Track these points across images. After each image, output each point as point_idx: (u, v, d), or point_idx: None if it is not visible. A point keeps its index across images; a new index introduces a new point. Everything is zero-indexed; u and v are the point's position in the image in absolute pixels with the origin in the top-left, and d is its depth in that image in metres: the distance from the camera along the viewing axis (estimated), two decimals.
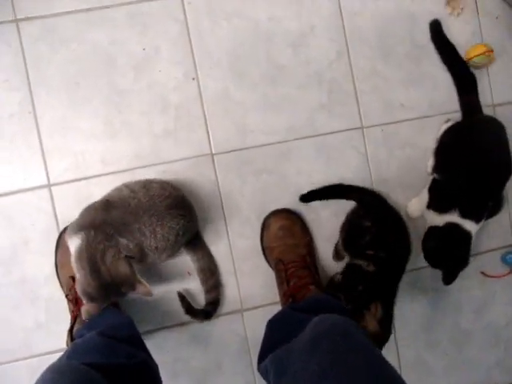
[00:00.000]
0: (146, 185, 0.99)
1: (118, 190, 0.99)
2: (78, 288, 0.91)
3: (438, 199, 1.09)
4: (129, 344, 0.93)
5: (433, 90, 1.19)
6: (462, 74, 1.17)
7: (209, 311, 1.12)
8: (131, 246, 0.94)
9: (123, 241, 0.92)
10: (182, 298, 1.11)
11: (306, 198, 1.13)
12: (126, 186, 0.99)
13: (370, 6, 1.17)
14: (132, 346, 0.93)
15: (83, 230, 0.91)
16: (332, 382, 0.67)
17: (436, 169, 1.12)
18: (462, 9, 1.18)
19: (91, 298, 0.90)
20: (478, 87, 1.16)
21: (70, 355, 0.87)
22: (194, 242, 1.09)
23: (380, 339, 1.02)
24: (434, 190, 1.11)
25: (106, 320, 0.97)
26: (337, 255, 1.15)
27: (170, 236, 0.97)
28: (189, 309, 1.10)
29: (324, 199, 1.13)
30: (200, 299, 1.13)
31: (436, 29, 1.17)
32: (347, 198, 1.11)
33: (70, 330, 1.01)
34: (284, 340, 0.86)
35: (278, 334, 0.97)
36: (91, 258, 0.89)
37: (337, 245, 1.14)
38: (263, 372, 0.95)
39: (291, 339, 0.83)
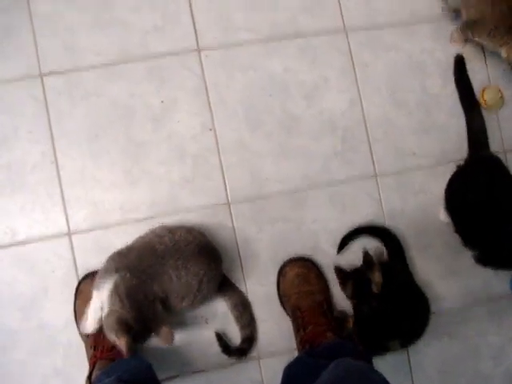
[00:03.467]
0: (172, 230, 1.01)
1: (145, 236, 1.02)
2: (111, 319, 0.91)
3: None
4: None
5: (444, 138, 1.21)
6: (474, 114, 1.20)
7: (244, 349, 1.12)
8: (160, 291, 0.96)
9: (154, 286, 0.94)
10: (220, 337, 1.12)
11: (341, 246, 1.16)
12: (153, 231, 1.02)
13: (381, 57, 1.21)
14: None
15: (118, 272, 0.94)
16: None
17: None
18: (465, 40, 1.21)
19: (127, 329, 0.90)
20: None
21: None
22: (223, 283, 1.10)
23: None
24: None
25: (124, 365, 0.98)
26: None
27: (194, 282, 0.98)
28: (225, 348, 1.11)
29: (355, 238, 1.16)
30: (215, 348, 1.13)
31: (459, 64, 1.21)
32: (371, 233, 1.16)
33: (89, 377, 1.02)
34: None
35: (294, 380, 0.98)
36: (130, 292, 0.91)
37: None
38: None
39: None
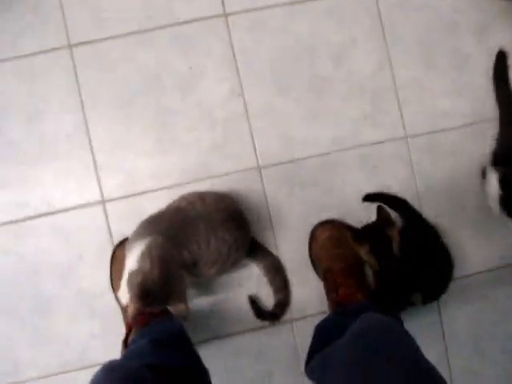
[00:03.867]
0: (202, 195, 1.02)
1: (176, 201, 1.03)
2: (135, 279, 0.88)
3: None
4: (179, 349, 0.95)
5: (476, 98, 1.18)
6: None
7: (277, 313, 1.13)
8: (189, 258, 0.96)
9: (184, 252, 0.94)
10: (252, 301, 1.13)
11: (370, 197, 1.15)
12: (184, 197, 1.03)
13: (412, 16, 1.18)
14: (182, 351, 0.96)
15: (149, 235, 0.93)
16: (368, 369, 0.69)
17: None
18: None
19: (143, 295, 0.88)
20: None
21: (123, 357, 0.91)
22: (253, 247, 1.11)
23: None
24: None
25: (158, 327, 1.00)
26: None
27: (224, 249, 0.99)
28: (258, 312, 1.12)
29: (385, 204, 1.13)
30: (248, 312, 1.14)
31: (501, 60, 1.17)
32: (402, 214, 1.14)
33: (125, 341, 1.05)
34: (330, 341, 0.87)
35: (324, 336, 0.99)
36: (161, 256, 0.90)
37: None
38: (309, 373, 0.96)
39: (337, 339, 0.83)
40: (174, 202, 1.04)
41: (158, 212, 1.01)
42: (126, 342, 1.04)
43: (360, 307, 0.99)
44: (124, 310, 1.10)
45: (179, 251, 0.94)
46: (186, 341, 1.01)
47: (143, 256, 0.91)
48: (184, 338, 1.01)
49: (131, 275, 0.90)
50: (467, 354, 1.19)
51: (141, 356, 0.89)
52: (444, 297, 1.17)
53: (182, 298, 0.92)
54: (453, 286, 1.18)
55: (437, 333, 1.19)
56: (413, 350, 0.74)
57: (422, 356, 0.72)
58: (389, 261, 1.05)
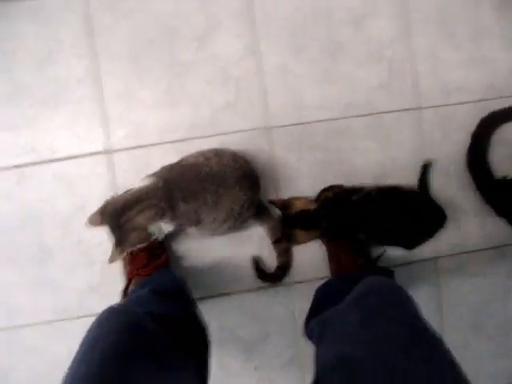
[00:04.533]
0: (219, 153, 1.01)
1: (194, 156, 1.02)
2: (111, 199, 0.96)
3: None
4: (179, 301, 0.95)
5: (492, 74, 1.17)
6: None
7: (279, 275, 1.14)
8: (190, 213, 0.96)
9: (183, 206, 0.94)
10: (255, 261, 1.13)
11: None
12: (201, 153, 1.01)
13: None
14: (182, 303, 0.96)
15: (156, 178, 0.96)
16: (370, 331, 0.70)
17: None
18: None
19: (103, 210, 0.95)
20: None
21: (123, 303, 0.91)
22: (258, 208, 1.10)
23: None
24: None
25: (159, 278, 1.00)
26: None
27: (236, 207, 0.99)
28: (260, 272, 1.13)
29: None
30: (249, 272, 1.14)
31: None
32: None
33: (124, 290, 1.05)
34: (331, 304, 0.87)
35: (324, 299, 1.00)
36: (142, 196, 0.93)
37: None
38: (308, 334, 0.96)
39: (338, 303, 0.84)
40: (191, 155, 1.03)
41: (177, 162, 1.01)
42: (125, 292, 1.04)
43: (363, 273, 0.99)
44: (124, 261, 1.10)
45: (177, 202, 0.95)
46: (187, 294, 1.01)
47: (129, 190, 0.96)
48: (185, 291, 1.01)
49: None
50: (463, 328, 1.20)
51: (141, 304, 0.89)
52: (445, 270, 1.18)
53: (122, 245, 0.94)
54: (454, 262, 1.19)
55: (435, 304, 1.19)
56: (412, 311, 0.74)
57: (420, 317, 0.73)
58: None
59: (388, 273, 1.06)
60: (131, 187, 0.98)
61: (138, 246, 0.96)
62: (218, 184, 0.96)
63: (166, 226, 0.97)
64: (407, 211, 1.05)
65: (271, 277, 1.14)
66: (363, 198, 1.04)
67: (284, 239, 1.10)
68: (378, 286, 0.81)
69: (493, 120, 1.17)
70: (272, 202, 1.11)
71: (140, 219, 0.93)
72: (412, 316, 0.73)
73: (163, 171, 1.00)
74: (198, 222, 0.99)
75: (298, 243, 1.11)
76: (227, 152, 1.03)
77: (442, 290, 1.20)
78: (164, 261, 1.07)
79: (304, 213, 1.06)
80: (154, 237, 0.96)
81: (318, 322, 0.90)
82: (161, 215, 0.94)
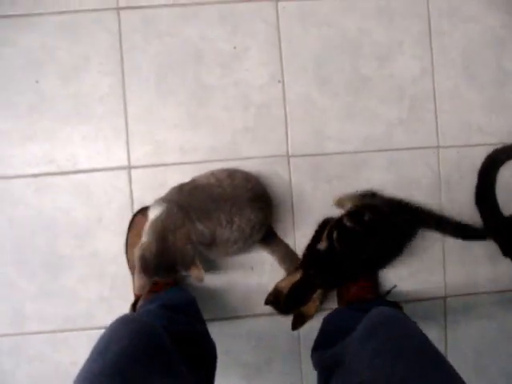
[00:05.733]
0: (231, 174, 1.02)
1: (205, 176, 1.03)
2: (137, 253, 0.91)
3: None
4: (189, 316, 0.96)
5: None
6: None
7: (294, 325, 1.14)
8: (206, 233, 0.97)
9: (200, 226, 0.95)
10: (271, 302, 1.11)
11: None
12: (213, 173, 1.03)
13: (460, 27, 1.18)
14: (192, 319, 0.97)
15: (167, 203, 0.95)
16: (382, 359, 0.70)
17: None
18: None
19: (145, 267, 0.90)
20: None
21: (126, 318, 0.89)
22: (269, 235, 1.11)
23: None
24: None
25: (169, 294, 1.01)
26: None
27: (247, 228, 0.99)
28: (282, 308, 1.10)
29: None
30: (265, 292, 1.13)
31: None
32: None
33: (133, 306, 1.05)
34: (340, 334, 0.87)
35: (334, 327, 1.00)
36: (165, 228, 0.92)
37: None
38: (316, 364, 0.97)
39: (347, 333, 0.84)
40: (202, 175, 1.05)
41: (189, 183, 1.02)
42: (134, 307, 1.05)
43: (371, 304, 1.00)
44: (133, 277, 1.11)
45: (194, 224, 0.95)
46: (196, 311, 1.01)
47: (150, 227, 0.94)
48: (194, 308, 1.01)
49: (137, 249, 0.93)
50: (466, 369, 1.19)
51: (150, 318, 0.90)
52: (453, 310, 1.19)
53: (190, 265, 0.92)
54: (463, 302, 1.19)
55: (440, 344, 1.19)
56: (423, 339, 0.75)
57: (431, 343, 0.74)
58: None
59: (397, 307, 1.06)
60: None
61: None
62: (231, 205, 0.97)
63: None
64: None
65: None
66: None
67: (299, 323, 1.10)
68: (387, 317, 0.81)
69: (497, 157, 1.17)
70: (267, 303, 1.08)
71: (179, 243, 0.92)
72: (422, 342, 0.74)
73: (172, 193, 1.00)
74: (212, 242, 1.00)
75: (312, 315, 1.11)
76: (239, 173, 1.04)
77: (448, 329, 1.20)
78: (174, 279, 1.08)
79: (293, 287, 1.03)
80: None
81: (328, 357, 0.90)
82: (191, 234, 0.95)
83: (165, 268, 0.92)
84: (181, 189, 1.01)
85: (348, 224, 1.00)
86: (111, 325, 0.78)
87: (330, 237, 1.00)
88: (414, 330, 0.78)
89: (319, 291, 1.05)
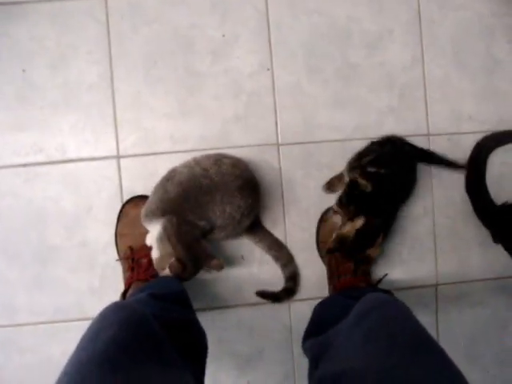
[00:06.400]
0: (218, 161, 1.01)
1: (188, 167, 1.02)
2: (164, 264, 0.96)
3: None
4: (178, 304, 0.95)
5: (504, 106, 1.18)
6: None
7: (291, 288, 1.14)
8: (207, 225, 0.99)
9: (200, 223, 0.97)
10: (262, 294, 1.13)
11: None
12: (197, 162, 1.01)
13: (450, 15, 1.17)
14: (182, 308, 0.96)
15: (164, 216, 0.97)
16: (374, 345, 0.69)
17: None
18: None
19: (184, 270, 0.95)
20: None
21: (114, 306, 0.88)
22: (254, 224, 1.11)
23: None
24: None
25: (159, 283, 1.00)
26: (329, 186, 1.15)
27: (237, 215, 1.00)
28: (273, 297, 1.13)
29: None
30: (256, 282, 1.14)
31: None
32: None
33: (123, 295, 1.05)
34: (331, 321, 0.87)
35: (325, 314, 0.99)
36: (179, 237, 0.95)
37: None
38: (306, 352, 0.96)
39: (339, 320, 0.84)
40: (184, 164, 1.04)
41: (169, 176, 1.02)
42: (124, 296, 1.04)
43: (362, 291, 1.00)
44: (124, 266, 1.10)
45: (195, 223, 0.98)
46: (186, 300, 1.01)
47: (161, 241, 0.96)
48: (184, 297, 1.01)
49: (159, 262, 0.96)
50: (459, 357, 1.16)
51: (141, 305, 0.89)
52: (445, 298, 1.19)
53: (210, 257, 0.98)
54: (455, 289, 1.19)
55: (432, 332, 1.16)
56: (414, 321, 0.75)
57: (426, 331, 0.73)
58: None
59: (389, 294, 1.05)
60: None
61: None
62: (222, 195, 0.98)
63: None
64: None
65: (285, 292, 1.13)
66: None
67: (365, 266, 1.09)
68: (379, 301, 0.80)
69: (486, 145, 1.17)
70: (332, 251, 1.07)
71: (197, 245, 0.97)
72: (415, 326, 0.73)
73: (159, 199, 1.01)
74: (212, 231, 1.01)
75: (375, 258, 1.10)
76: (226, 158, 1.03)
77: (439, 317, 1.20)
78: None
79: (359, 232, 1.03)
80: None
81: (318, 343, 0.89)
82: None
83: (195, 268, 0.97)
84: (165, 190, 1.00)
85: (371, 170, 1.05)
86: (101, 312, 0.77)
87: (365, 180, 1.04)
88: (407, 313, 0.78)
89: (381, 237, 1.05)
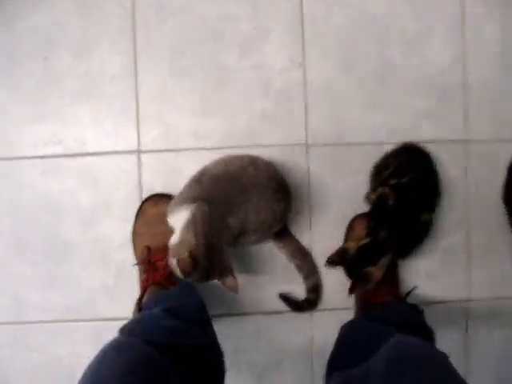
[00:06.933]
0: (253, 162, 0.95)
1: (222, 164, 0.96)
2: (178, 253, 0.83)
3: None
4: (196, 325, 0.89)
5: None
6: None
7: (312, 299, 1.08)
8: (236, 227, 0.90)
9: (232, 220, 0.88)
10: (285, 297, 1.07)
11: None
12: (232, 161, 0.95)
13: (495, 14, 1.10)
14: (199, 328, 0.90)
15: (196, 202, 0.88)
16: None
17: None
18: None
19: (194, 265, 0.82)
20: None
21: (132, 327, 0.84)
22: (281, 229, 1.05)
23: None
24: None
25: (175, 296, 0.95)
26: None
27: (269, 219, 0.93)
28: (295, 305, 1.07)
29: None
30: (278, 289, 1.09)
31: None
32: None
33: (139, 300, 1.00)
34: (357, 355, 0.81)
35: (351, 346, 0.92)
36: (205, 228, 0.84)
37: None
38: None
39: (365, 356, 0.77)
40: (215, 163, 0.97)
41: (207, 174, 0.95)
42: (139, 302, 0.99)
43: (392, 312, 0.95)
44: (141, 268, 1.05)
45: (225, 220, 0.88)
46: (205, 317, 0.95)
47: (186, 227, 0.85)
48: (203, 313, 0.95)
49: (174, 249, 0.85)
50: (489, 379, 1.13)
51: (154, 328, 0.83)
52: (476, 315, 1.12)
53: (228, 272, 0.86)
54: (487, 306, 1.13)
55: (462, 350, 1.13)
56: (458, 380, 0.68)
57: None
58: None
59: (417, 311, 1.00)
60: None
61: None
62: (259, 194, 0.91)
63: None
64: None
65: (307, 303, 1.08)
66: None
67: (360, 285, 0.98)
68: (414, 357, 0.72)
69: None
70: (330, 263, 1.01)
71: (220, 245, 0.86)
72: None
73: (191, 188, 0.93)
74: (242, 235, 0.92)
75: (377, 281, 0.99)
76: (259, 159, 0.97)
77: (469, 335, 1.13)
78: None
79: (362, 247, 0.97)
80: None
81: (342, 380, 0.84)
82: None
83: (207, 273, 0.84)
84: (198, 181, 0.94)
85: (393, 182, 1.00)
86: (103, 351, 0.71)
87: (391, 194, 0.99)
88: (446, 372, 0.70)
89: (387, 258, 0.98)
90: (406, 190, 0.99)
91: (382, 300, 1.00)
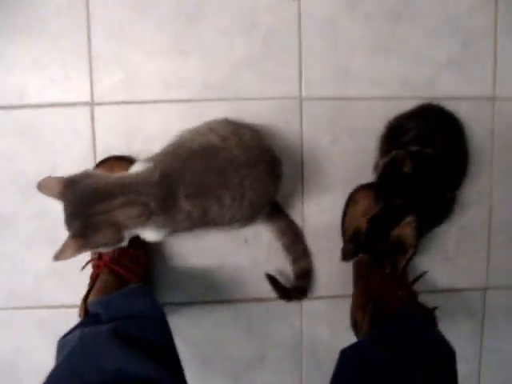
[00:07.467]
0: (236, 130, 0.77)
1: (201, 134, 0.77)
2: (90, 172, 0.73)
3: None
4: (149, 351, 0.69)
5: None
6: None
7: (303, 286, 0.94)
8: (195, 213, 0.72)
9: (186, 205, 0.71)
10: (272, 279, 0.92)
11: None
12: (211, 128, 0.77)
13: None
14: (152, 354, 0.69)
15: (153, 164, 0.72)
16: None
17: None
18: None
19: (72, 182, 0.71)
20: None
21: (73, 354, 0.68)
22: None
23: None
24: None
25: (129, 306, 0.76)
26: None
27: (260, 201, 0.77)
28: (282, 291, 0.92)
29: None
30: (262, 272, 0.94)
31: None
32: None
33: (85, 299, 0.82)
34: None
35: (352, 374, 0.77)
36: (131, 185, 0.70)
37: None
38: None
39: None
40: (197, 132, 0.79)
41: (179, 143, 0.78)
42: (85, 300, 0.82)
43: (402, 332, 0.78)
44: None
45: (176, 202, 0.71)
46: (161, 337, 0.76)
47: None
48: (159, 333, 0.76)
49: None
50: (502, 377, 1.01)
51: (97, 362, 0.66)
52: (493, 305, 0.99)
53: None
54: (506, 296, 0.99)
55: (475, 343, 1.01)
56: None
57: None
58: None
59: (430, 317, 0.83)
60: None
61: (101, 250, 0.74)
62: (244, 175, 0.73)
63: (146, 234, 0.73)
64: None
65: (294, 291, 0.93)
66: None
67: (399, 254, 0.84)
68: None
69: None
70: (346, 254, 0.88)
71: (119, 216, 0.69)
72: None
73: (165, 157, 0.75)
74: (203, 225, 0.76)
75: (413, 244, 0.82)
76: (244, 128, 0.80)
77: (484, 328, 1.00)
78: (143, 262, 0.87)
79: (372, 219, 0.82)
80: (124, 243, 0.73)
81: None
82: (146, 219, 0.70)
83: (79, 209, 0.70)
84: (177, 154, 0.75)
85: (414, 149, 0.83)
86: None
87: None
88: None
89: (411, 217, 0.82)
90: (430, 163, 0.82)
91: (389, 299, 0.83)
